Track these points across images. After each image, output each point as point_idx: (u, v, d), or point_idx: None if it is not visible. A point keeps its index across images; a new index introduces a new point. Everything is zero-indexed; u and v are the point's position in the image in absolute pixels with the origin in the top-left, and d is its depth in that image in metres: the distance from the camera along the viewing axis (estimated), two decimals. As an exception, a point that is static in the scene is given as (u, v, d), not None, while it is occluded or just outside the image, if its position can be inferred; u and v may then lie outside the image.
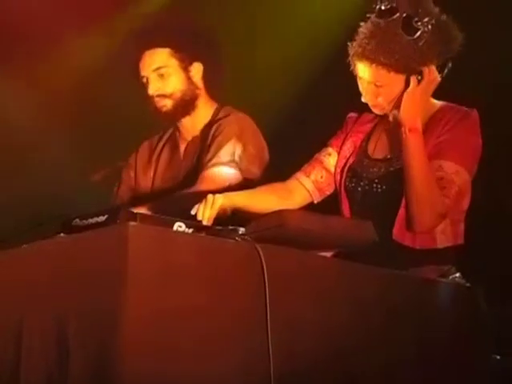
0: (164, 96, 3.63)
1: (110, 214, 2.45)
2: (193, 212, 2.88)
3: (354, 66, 3.09)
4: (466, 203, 3.12)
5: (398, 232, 3.02)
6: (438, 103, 3.17)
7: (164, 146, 3.85)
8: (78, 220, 2.53)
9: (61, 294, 2.36)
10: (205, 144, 3.67)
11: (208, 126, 3.70)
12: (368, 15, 3.07)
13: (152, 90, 3.63)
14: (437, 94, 3.15)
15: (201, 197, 2.95)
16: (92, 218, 2.49)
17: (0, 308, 2.50)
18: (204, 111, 3.73)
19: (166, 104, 3.64)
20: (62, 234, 2.54)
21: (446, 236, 3.06)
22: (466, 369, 2.78)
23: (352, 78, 3.12)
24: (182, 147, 3.77)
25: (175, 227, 2.48)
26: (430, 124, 3.10)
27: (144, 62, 3.64)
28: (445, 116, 3.10)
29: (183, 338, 2.27)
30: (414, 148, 2.97)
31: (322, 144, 3.35)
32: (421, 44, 2.99)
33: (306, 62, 4.80)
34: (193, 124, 3.74)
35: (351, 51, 3.08)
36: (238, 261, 2.43)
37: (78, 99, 5.55)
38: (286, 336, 2.41)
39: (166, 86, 3.63)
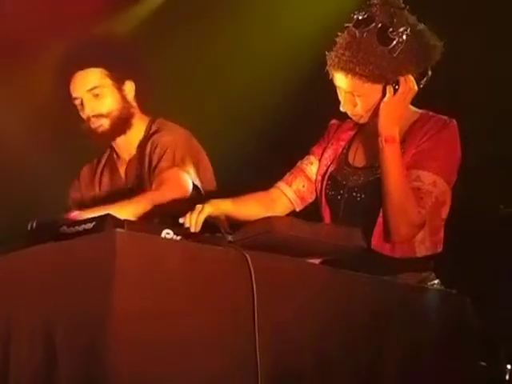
0: (101, 116, 3.58)
1: (98, 221, 2.44)
2: (181, 220, 2.85)
3: (332, 75, 3.07)
4: (444, 212, 3.11)
5: (376, 242, 3.01)
6: (418, 112, 3.15)
7: (103, 168, 3.80)
8: (65, 227, 2.52)
9: (49, 298, 2.35)
10: (143, 163, 3.63)
11: (143, 143, 3.66)
12: (346, 25, 3.06)
13: (88, 110, 3.56)
14: (417, 103, 3.14)
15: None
16: (80, 225, 2.49)
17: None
18: (138, 127, 3.69)
19: (103, 124, 3.58)
20: (50, 241, 2.51)
21: (424, 245, 3.05)
22: (452, 374, 2.76)
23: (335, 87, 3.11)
24: (122, 169, 3.73)
25: (163, 234, 2.48)
26: (410, 133, 3.09)
27: (76, 82, 3.58)
28: (424, 125, 3.08)
29: (169, 341, 2.26)
30: (391, 158, 2.97)
31: (305, 151, 3.33)
32: (396, 54, 2.98)
33: (292, 72, 4.81)
34: (128, 142, 3.70)
35: (329, 61, 3.06)
36: (226, 267, 2.41)
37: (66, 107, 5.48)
38: (273, 340, 2.40)
39: (102, 105, 3.57)
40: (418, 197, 2.95)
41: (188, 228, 2.81)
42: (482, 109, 4.57)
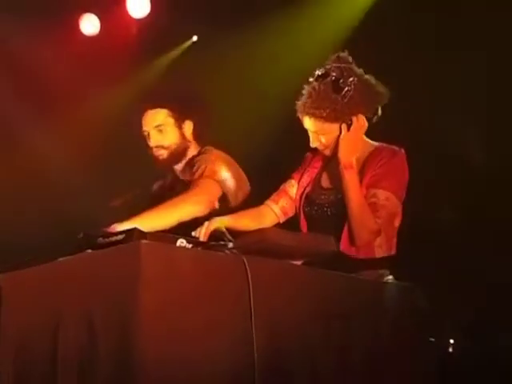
0: (162, 147, 3.59)
1: (127, 233, 2.45)
2: (193, 233, 2.87)
3: (301, 119, 3.11)
4: (397, 222, 3.11)
5: (344, 246, 3.02)
6: (374, 144, 3.17)
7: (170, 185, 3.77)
8: (101, 239, 2.52)
9: (90, 294, 2.35)
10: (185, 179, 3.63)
11: (190, 161, 3.65)
12: (310, 79, 3.09)
13: (153, 142, 3.58)
14: (373, 136, 3.17)
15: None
16: (112, 237, 2.49)
17: (40, 308, 2.48)
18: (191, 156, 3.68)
19: (163, 154, 3.59)
20: (88, 250, 2.52)
21: (381, 249, 3.06)
22: (410, 351, 2.77)
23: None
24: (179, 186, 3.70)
25: (178, 243, 2.47)
26: (368, 160, 3.11)
27: (146, 118, 3.60)
28: (380, 154, 3.10)
29: (184, 328, 2.27)
30: (349, 181, 2.99)
31: (287, 176, 3.37)
32: (347, 99, 3.01)
33: (279, 119, 4.83)
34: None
35: (297, 108, 3.10)
36: (228, 268, 2.42)
37: (102, 142, 5.53)
38: (266, 324, 2.40)
39: (164, 139, 3.58)
40: (374, 210, 2.97)
41: (198, 238, 2.81)
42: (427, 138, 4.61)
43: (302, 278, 2.57)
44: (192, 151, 3.64)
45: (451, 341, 4.50)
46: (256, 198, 3.44)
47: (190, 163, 3.59)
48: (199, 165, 3.49)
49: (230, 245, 2.54)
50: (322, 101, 3.01)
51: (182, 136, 3.61)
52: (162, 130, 3.57)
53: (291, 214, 3.29)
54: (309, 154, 3.34)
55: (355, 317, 2.63)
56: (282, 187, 3.33)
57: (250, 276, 2.38)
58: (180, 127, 3.60)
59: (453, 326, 4.56)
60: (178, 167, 3.66)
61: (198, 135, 3.64)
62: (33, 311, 2.49)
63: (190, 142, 3.63)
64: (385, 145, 3.15)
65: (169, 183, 3.75)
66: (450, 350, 4.50)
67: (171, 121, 3.58)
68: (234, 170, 3.53)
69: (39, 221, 5.31)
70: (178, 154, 3.61)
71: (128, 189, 3.91)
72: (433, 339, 3.12)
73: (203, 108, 3.64)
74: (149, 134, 3.59)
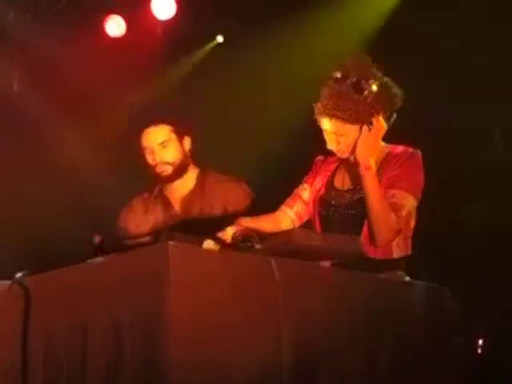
0: (167, 163, 3.61)
1: (154, 234, 2.45)
2: (219, 235, 2.86)
3: (319, 121, 3.10)
4: (412, 222, 3.11)
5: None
6: (388, 146, 3.17)
7: (155, 201, 3.77)
8: (128, 240, 2.51)
9: (116, 300, 2.34)
10: (200, 203, 3.67)
11: (197, 189, 3.70)
12: (328, 81, 3.08)
13: (158, 158, 3.60)
14: (390, 138, 3.16)
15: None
16: (139, 238, 2.48)
17: (68, 311, 2.47)
18: (190, 174, 3.71)
19: (167, 170, 3.62)
20: (99, 257, 2.52)
21: (399, 248, 3.06)
22: (439, 353, 2.74)
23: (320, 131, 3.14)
24: (176, 205, 3.72)
25: (205, 244, 2.46)
26: (385, 161, 3.11)
27: (149, 136, 3.61)
28: (397, 155, 3.11)
29: (213, 330, 2.25)
30: (370, 182, 2.99)
31: (299, 181, 3.36)
32: (369, 100, 3.01)
33: (293, 123, 4.83)
34: (183, 184, 3.70)
35: (316, 110, 3.09)
36: (255, 270, 2.40)
37: (126, 145, 5.52)
38: (294, 329, 2.38)
39: (169, 155, 3.60)
40: (395, 209, 2.97)
41: (225, 239, 2.80)
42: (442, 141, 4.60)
43: (330, 279, 2.56)
44: (191, 169, 3.69)
45: (480, 342, 4.46)
46: (269, 200, 3.47)
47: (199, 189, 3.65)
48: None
49: (258, 246, 2.53)
50: (344, 102, 3.01)
51: (183, 151, 3.65)
52: (166, 146, 3.60)
53: (306, 218, 3.29)
54: (319, 158, 3.35)
55: (383, 318, 2.61)
56: (295, 192, 3.33)
57: (277, 277, 2.37)
58: (181, 142, 3.64)
59: (481, 327, 4.52)
60: (176, 184, 3.68)
61: (192, 152, 3.70)
62: (61, 314, 2.48)
63: (188, 157, 3.68)
64: (400, 146, 3.16)
65: (158, 199, 3.75)
66: (479, 351, 4.46)
67: (174, 136, 3.61)
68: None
69: (70, 222, 5.35)
70: (180, 169, 3.65)
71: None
72: (461, 340, 3.09)
73: (194, 125, 3.72)
74: (153, 151, 3.60)
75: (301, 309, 2.42)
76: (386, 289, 2.71)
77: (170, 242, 2.27)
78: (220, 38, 6.02)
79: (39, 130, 5.85)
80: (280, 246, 2.51)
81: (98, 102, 5.73)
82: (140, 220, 3.74)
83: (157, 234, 2.42)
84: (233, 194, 3.65)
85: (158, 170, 3.63)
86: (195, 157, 3.73)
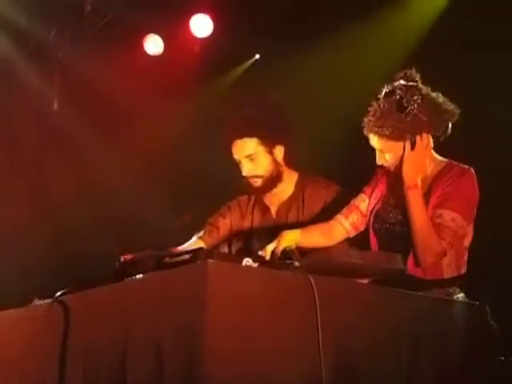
0: (256, 176, 3.57)
1: (193, 253, 2.45)
2: (260, 253, 2.86)
3: (367, 136, 3.07)
4: (467, 241, 3.04)
5: (410, 267, 2.96)
6: (444, 161, 3.11)
7: (254, 206, 3.74)
8: (168, 259, 2.52)
9: (157, 317, 2.34)
10: (296, 209, 3.63)
11: (295, 195, 3.66)
12: (378, 96, 3.06)
13: (245, 172, 3.56)
14: (444, 153, 3.11)
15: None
16: (179, 256, 2.48)
17: (109, 329, 2.48)
18: (288, 182, 3.66)
19: (257, 181, 3.58)
20: (156, 270, 2.52)
21: (451, 268, 3.00)
22: (480, 370, 2.70)
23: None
24: (273, 210, 3.69)
25: (244, 262, 2.45)
26: (437, 178, 3.05)
27: (236, 147, 3.57)
28: (449, 172, 3.05)
29: (251, 348, 2.24)
30: (413, 202, 2.95)
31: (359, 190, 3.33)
32: (410, 118, 2.96)
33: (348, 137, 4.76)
34: (281, 192, 3.66)
35: (364, 125, 3.07)
36: (294, 288, 2.39)
37: (169, 162, 5.56)
38: (334, 347, 2.36)
39: (257, 168, 3.55)
40: (438, 231, 2.91)
41: (263, 257, 2.80)
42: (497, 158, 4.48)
43: (369, 297, 2.53)
44: (287, 177, 3.63)
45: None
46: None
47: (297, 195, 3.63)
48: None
49: (297, 263, 2.52)
50: (385, 119, 2.98)
51: (275, 162, 3.58)
52: (254, 159, 3.54)
53: (362, 228, 3.26)
54: (379, 169, 3.29)
55: (424, 336, 2.58)
56: (352, 202, 3.29)
57: (316, 295, 2.35)
58: (271, 153, 3.57)
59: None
60: (273, 193, 3.65)
61: (289, 159, 3.62)
62: (101, 332, 2.50)
63: (282, 167, 3.61)
64: (454, 163, 3.09)
65: (256, 205, 3.73)
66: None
67: (262, 149, 3.55)
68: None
69: (106, 239, 5.38)
70: (271, 180, 3.59)
71: (188, 209, 3.91)
72: (502, 358, 3.05)
73: (292, 131, 3.60)
74: (240, 163, 3.57)
75: (340, 327, 2.40)
76: (426, 306, 2.67)
77: (210, 261, 2.27)
78: (257, 56, 6.04)
79: (79, 147, 5.91)
80: (319, 263, 2.51)
81: (137, 119, 5.77)
82: (234, 223, 3.73)
83: (195, 252, 2.42)
84: (328, 197, 3.58)
85: (250, 180, 3.60)
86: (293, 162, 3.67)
